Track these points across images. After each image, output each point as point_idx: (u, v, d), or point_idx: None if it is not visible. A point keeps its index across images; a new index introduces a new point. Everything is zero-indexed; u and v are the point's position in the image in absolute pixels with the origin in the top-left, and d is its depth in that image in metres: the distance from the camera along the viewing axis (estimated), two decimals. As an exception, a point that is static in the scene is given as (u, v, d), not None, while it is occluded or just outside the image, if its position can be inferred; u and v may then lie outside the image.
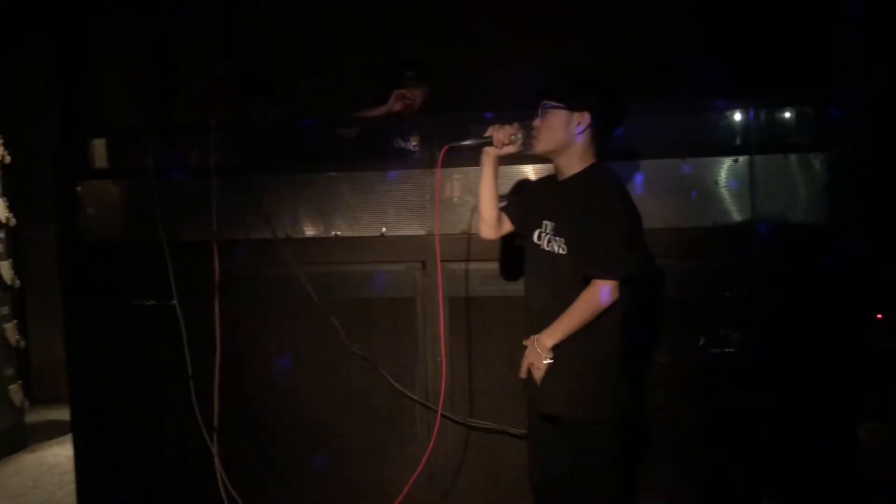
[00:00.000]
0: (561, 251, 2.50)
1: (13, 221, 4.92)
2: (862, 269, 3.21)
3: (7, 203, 4.89)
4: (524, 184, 3.07)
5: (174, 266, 3.33)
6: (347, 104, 4.11)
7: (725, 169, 3.12)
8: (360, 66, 4.60)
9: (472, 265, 3.23)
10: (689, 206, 3.13)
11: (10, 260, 4.91)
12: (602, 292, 2.40)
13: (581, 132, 2.49)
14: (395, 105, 3.83)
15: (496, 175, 2.72)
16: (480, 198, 2.75)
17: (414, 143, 3.78)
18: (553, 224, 2.55)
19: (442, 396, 3.04)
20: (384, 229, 3.30)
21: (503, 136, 2.58)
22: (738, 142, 3.17)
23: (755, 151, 3.10)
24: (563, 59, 4.41)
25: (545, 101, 2.52)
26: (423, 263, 3.26)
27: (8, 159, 4.87)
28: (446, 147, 2.65)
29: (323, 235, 3.35)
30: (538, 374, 2.51)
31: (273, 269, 3.34)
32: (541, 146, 2.54)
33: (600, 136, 2.54)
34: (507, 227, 2.79)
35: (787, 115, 3.21)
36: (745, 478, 3.09)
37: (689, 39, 4.35)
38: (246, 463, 3.38)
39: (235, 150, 3.56)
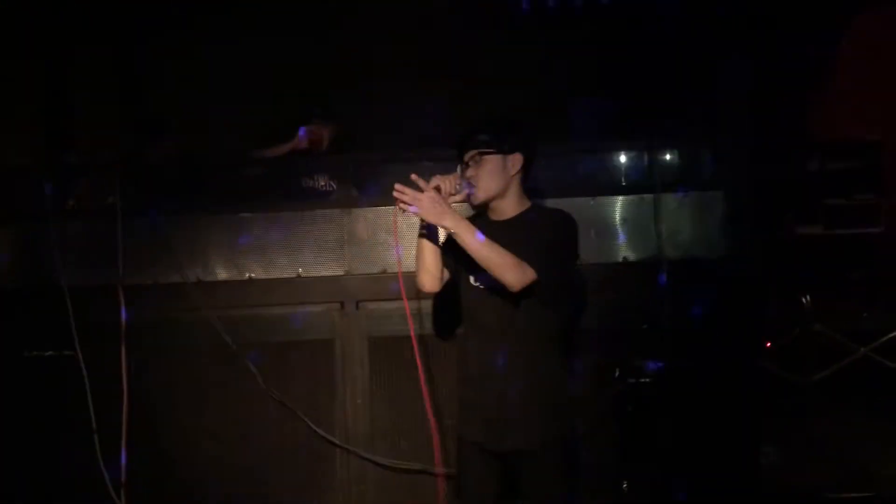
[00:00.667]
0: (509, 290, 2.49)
1: None
2: (757, 301, 3.44)
3: None
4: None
5: (76, 313, 3.16)
6: (253, 142, 4.07)
7: (632, 207, 3.27)
8: (266, 103, 4.55)
9: (392, 304, 3.22)
10: (600, 243, 3.25)
11: None
12: (525, 274, 2.39)
13: (516, 173, 2.55)
14: (301, 143, 3.81)
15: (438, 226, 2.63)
16: (422, 251, 2.63)
17: (323, 183, 3.76)
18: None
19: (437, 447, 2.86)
20: (300, 270, 3.26)
21: (449, 187, 2.50)
22: (643, 181, 3.34)
23: (659, 190, 3.26)
24: (465, 99, 4.56)
25: (477, 151, 2.53)
26: (342, 304, 3.23)
27: None
28: (397, 209, 2.47)
29: (236, 278, 3.26)
30: (413, 197, 2.41)
31: (184, 314, 3.23)
32: (482, 194, 2.53)
33: (526, 176, 2.61)
34: (446, 274, 2.72)
35: (685, 155, 3.41)
36: (659, 499, 3.20)
37: (583, 82, 4.54)
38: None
39: (140, 189, 3.43)
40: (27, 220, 3.30)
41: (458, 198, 2.54)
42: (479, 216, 2.62)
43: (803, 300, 4.03)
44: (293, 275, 3.25)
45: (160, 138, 4.03)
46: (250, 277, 3.26)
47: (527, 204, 2.61)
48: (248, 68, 4.51)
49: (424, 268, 2.66)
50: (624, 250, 3.27)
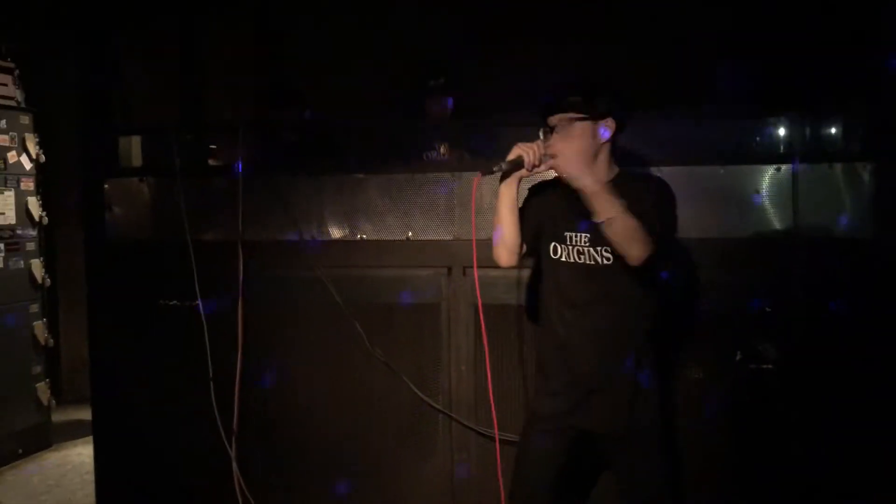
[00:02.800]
0: (606, 261, 2.39)
1: (46, 220, 4.95)
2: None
3: (41, 201, 4.93)
4: (527, 198, 2.75)
5: (199, 267, 3.29)
6: (373, 107, 4.08)
7: (767, 178, 2.99)
8: (385, 69, 4.55)
9: (498, 272, 3.13)
10: (728, 215, 3.01)
11: (42, 258, 4.93)
12: (648, 247, 2.23)
13: (608, 139, 2.39)
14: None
15: (517, 198, 2.53)
16: (501, 222, 2.52)
17: (443, 152, 3.72)
18: (586, 236, 2.41)
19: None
20: (410, 233, 3.23)
21: (534, 158, 2.36)
22: (780, 150, 3.05)
23: (799, 160, 2.96)
24: (574, 64, 4.36)
25: (565, 115, 2.37)
26: (449, 269, 3.18)
27: (43, 158, 4.91)
28: (478, 178, 2.47)
29: (348, 238, 3.28)
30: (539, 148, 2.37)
31: (298, 272, 3.29)
32: (570, 165, 2.34)
33: (615, 141, 2.44)
34: (524, 249, 2.61)
35: (833, 123, 3.08)
36: (784, 496, 2.95)
37: (727, 42, 4.21)
38: (264, 467, 3.32)
39: (263, 150, 3.53)
40: (161, 176, 3.46)
41: (541, 168, 2.40)
42: (563, 187, 2.42)
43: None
44: (403, 237, 3.23)
45: (290, 104, 4.11)
46: (362, 238, 3.27)
47: (615, 171, 2.44)
48: (376, 38, 4.51)
49: (503, 241, 2.54)
50: (757, 225, 3.00)
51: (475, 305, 3.14)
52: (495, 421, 2.64)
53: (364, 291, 3.23)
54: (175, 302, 3.37)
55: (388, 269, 3.23)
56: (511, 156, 2.38)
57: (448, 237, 3.21)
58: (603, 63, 4.11)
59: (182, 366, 3.35)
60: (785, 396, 2.87)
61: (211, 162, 3.91)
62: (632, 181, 2.42)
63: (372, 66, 4.59)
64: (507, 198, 2.50)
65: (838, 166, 2.96)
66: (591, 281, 2.41)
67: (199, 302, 3.29)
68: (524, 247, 2.58)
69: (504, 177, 2.48)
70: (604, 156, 2.42)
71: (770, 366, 2.84)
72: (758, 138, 3.15)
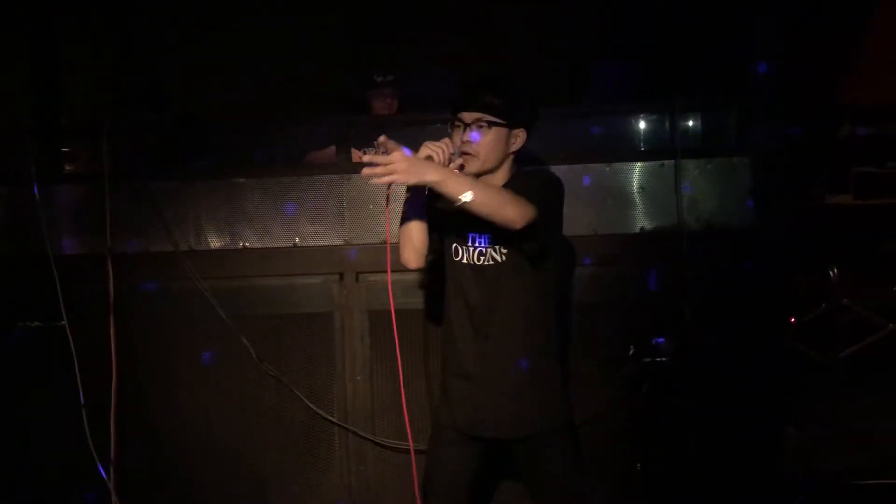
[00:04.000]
0: (501, 258, 2.35)
1: None
2: (782, 274, 3.24)
3: None
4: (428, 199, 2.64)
5: (63, 283, 3.01)
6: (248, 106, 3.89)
7: (651, 174, 3.06)
8: (261, 65, 4.34)
9: (394, 276, 3.04)
10: (616, 212, 3.06)
11: None
12: (526, 208, 2.13)
13: (517, 150, 2.35)
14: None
15: (426, 196, 2.43)
16: (410, 224, 2.43)
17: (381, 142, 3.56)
18: (487, 236, 2.36)
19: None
20: (297, 239, 3.08)
21: (444, 156, 2.24)
22: (663, 145, 3.13)
23: (680, 155, 3.05)
24: (470, 61, 4.33)
25: (485, 116, 2.30)
26: (341, 275, 3.06)
27: None
28: (389, 189, 2.28)
29: (230, 247, 3.09)
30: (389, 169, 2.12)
31: (175, 284, 3.07)
32: (477, 166, 2.31)
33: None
34: (426, 250, 2.52)
35: (711, 118, 3.19)
36: (675, 485, 3.03)
37: (605, 42, 4.30)
38: (149, 497, 3.09)
39: (131, 154, 3.27)
40: (15, 186, 3.13)
41: (451, 167, 2.27)
42: None
43: (831, 273, 3.81)
44: (290, 244, 3.08)
45: (157, 104, 3.85)
46: (244, 246, 3.09)
47: (511, 173, 2.40)
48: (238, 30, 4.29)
49: (409, 243, 2.46)
50: (641, 220, 3.06)
51: (369, 312, 3.06)
52: (409, 432, 2.52)
53: (250, 303, 3.07)
54: (37, 323, 3.07)
55: (275, 279, 3.07)
56: (420, 154, 2.26)
57: (339, 241, 3.09)
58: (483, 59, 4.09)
59: (49, 391, 3.05)
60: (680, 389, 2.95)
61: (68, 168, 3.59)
62: (523, 176, 2.38)
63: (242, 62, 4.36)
64: (415, 198, 2.41)
65: (717, 160, 3.07)
66: (488, 281, 2.36)
67: (65, 322, 3.01)
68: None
69: None
70: (508, 162, 2.38)
71: (663, 358, 2.90)
72: (641, 134, 3.22)
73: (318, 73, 4.44)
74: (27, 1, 3.66)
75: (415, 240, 2.45)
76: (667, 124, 3.21)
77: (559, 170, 2.90)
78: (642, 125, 3.25)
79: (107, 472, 3.00)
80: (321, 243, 3.08)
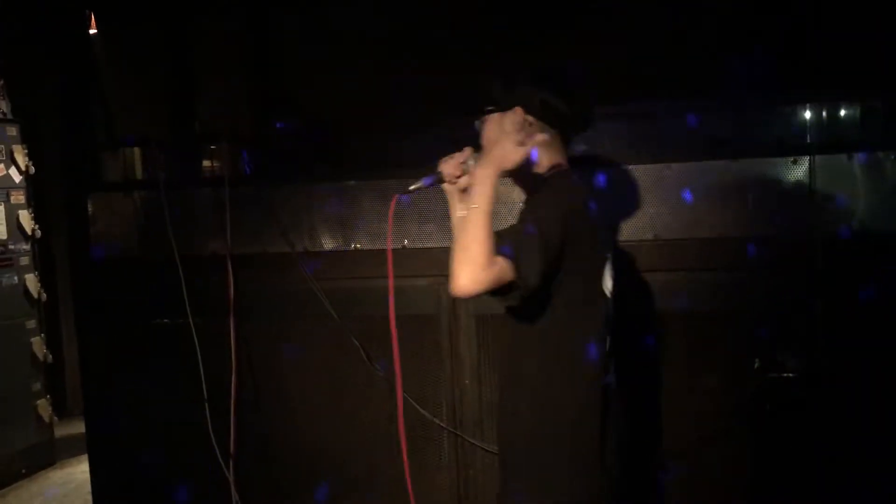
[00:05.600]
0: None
1: (39, 233, 4.84)
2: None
3: (33, 214, 4.81)
4: None
5: (188, 282, 3.16)
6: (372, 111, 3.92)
7: (784, 171, 2.81)
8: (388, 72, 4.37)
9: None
10: (740, 212, 2.83)
11: (37, 272, 4.82)
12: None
13: (515, 128, 2.08)
14: None
15: None
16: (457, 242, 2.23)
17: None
18: None
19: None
20: (406, 241, 3.08)
21: (452, 169, 2.12)
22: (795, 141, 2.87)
23: (815, 151, 2.78)
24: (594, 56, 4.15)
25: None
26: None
27: (32, 170, 4.79)
28: (395, 197, 2.25)
29: (342, 248, 3.13)
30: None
31: (291, 285, 3.14)
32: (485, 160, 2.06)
33: (562, 134, 2.14)
34: None
35: (852, 110, 2.90)
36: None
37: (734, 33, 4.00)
38: (264, 489, 3.19)
39: (251, 159, 3.39)
40: (149, 190, 3.32)
41: (466, 180, 2.13)
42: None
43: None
44: (399, 246, 3.07)
45: (286, 112, 3.97)
46: (356, 248, 3.12)
47: (553, 169, 2.12)
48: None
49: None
50: (767, 222, 2.82)
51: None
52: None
53: (360, 303, 3.08)
54: (166, 320, 3.24)
55: (384, 280, 3.07)
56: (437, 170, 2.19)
57: (447, 244, 3.04)
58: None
59: (175, 385, 3.22)
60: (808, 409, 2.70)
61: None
62: (540, 192, 2.09)
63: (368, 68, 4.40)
64: (455, 212, 2.25)
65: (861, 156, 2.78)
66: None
67: (191, 319, 3.16)
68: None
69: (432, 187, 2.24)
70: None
71: (791, 374, 2.67)
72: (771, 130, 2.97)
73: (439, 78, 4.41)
74: (161, 11, 3.85)
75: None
76: (802, 117, 2.96)
77: (670, 168, 2.77)
78: (772, 116, 2.98)
79: (227, 469, 3.13)
80: (429, 245, 3.05)
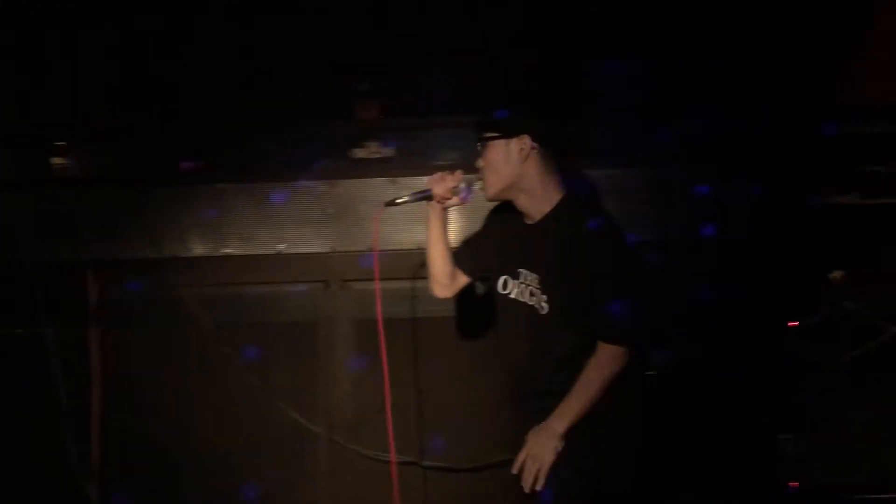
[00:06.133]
0: (542, 309, 2.17)
1: None
2: (781, 277, 3.17)
3: None
4: (484, 224, 2.48)
5: (43, 289, 2.96)
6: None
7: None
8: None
9: (381, 284, 2.97)
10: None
11: None
12: (615, 358, 2.06)
13: (527, 160, 2.15)
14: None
15: (445, 229, 2.32)
16: (429, 254, 2.35)
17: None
18: (536, 276, 2.19)
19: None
20: (282, 246, 3.01)
21: (443, 190, 2.18)
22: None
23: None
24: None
25: (481, 136, 2.18)
26: (326, 283, 2.99)
27: None
28: (380, 210, 2.31)
29: (213, 254, 3.02)
30: (542, 470, 2.07)
31: (158, 292, 3.00)
32: (490, 190, 2.17)
33: (547, 161, 2.20)
34: (462, 280, 2.41)
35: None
36: (668, 498, 2.96)
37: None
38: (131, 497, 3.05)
39: (114, 160, 3.19)
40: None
41: (455, 201, 2.22)
42: (516, 216, 2.24)
43: (834, 276, 3.69)
44: (274, 251, 3.00)
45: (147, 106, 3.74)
46: (228, 254, 3.02)
47: (553, 199, 2.19)
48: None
49: (431, 274, 2.39)
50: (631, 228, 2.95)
51: (355, 321, 2.99)
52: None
53: (234, 311, 3.01)
54: (18, 330, 3.02)
55: (258, 286, 3.01)
56: (425, 186, 2.23)
57: (324, 249, 3.01)
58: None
59: (29, 400, 3.01)
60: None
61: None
62: (565, 228, 2.15)
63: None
64: (430, 230, 2.32)
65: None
66: (535, 326, 2.19)
67: (47, 329, 2.96)
68: (457, 277, 2.40)
69: (415, 203, 2.29)
70: (532, 180, 2.17)
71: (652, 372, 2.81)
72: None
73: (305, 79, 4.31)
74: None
75: (433, 271, 2.37)
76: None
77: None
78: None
79: (88, 482, 2.96)
80: (306, 250, 3.00)
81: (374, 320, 2.88)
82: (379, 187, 2.96)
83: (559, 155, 2.23)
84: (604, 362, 2.06)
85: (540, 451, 2.07)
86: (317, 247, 3.00)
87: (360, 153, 3.17)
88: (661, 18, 3.93)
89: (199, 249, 3.02)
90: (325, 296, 2.99)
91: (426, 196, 2.24)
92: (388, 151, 3.22)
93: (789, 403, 3.26)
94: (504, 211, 2.29)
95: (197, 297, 2.97)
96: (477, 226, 2.44)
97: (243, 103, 3.42)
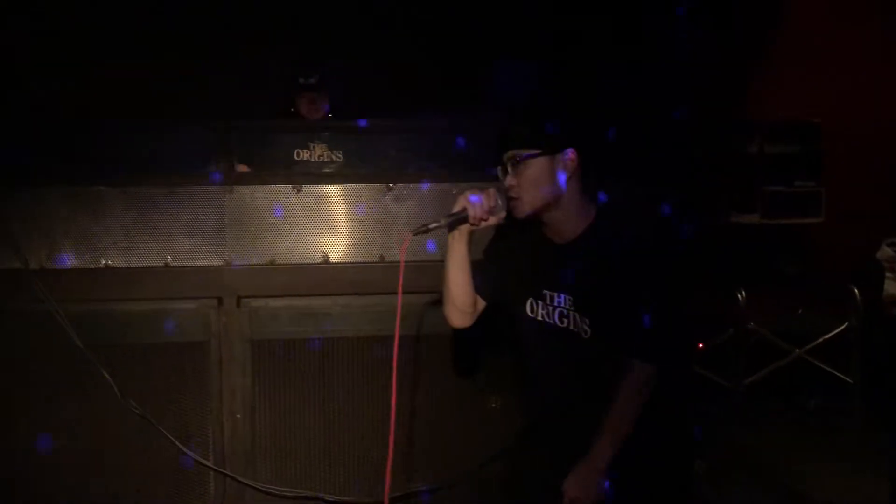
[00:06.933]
0: (584, 333, 2.04)
1: None
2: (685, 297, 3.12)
3: None
4: (493, 245, 2.34)
5: None
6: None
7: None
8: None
9: (281, 302, 2.73)
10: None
11: None
12: (651, 378, 1.98)
13: (569, 178, 2.02)
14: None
15: (469, 253, 2.13)
16: (450, 281, 2.16)
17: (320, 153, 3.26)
18: (569, 298, 2.06)
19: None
20: (169, 258, 2.70)
21: (481, 212, 2.00)
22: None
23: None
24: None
25: (517, 152, 2.01)
26: (220, 300, 2.70)
27: None
28: (408, 239, 2.04)
29: (89, 266, 2.68)
30: None
31: (24, 307, 2.63)
32: (524, 210, 2.03)
33: (586, 177, 2.08)
34: (481, 306, 2.25)
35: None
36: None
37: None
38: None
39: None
40: None
41: (493, 221, 2.04)
42: (536, 234, 2.11)
43: (739, 296, 3.71)
44: (160, 264, 2.70)
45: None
46: (107, 266, 2.69)
47: (591, 215, 2.08)
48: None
49: (451, 301, 2.19)
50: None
51: (252, 342, 2.72)
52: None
53: (111, 330, 2.67)
54: None
55: (142, 303, 2.68)
56: (455, 208, 2.02)
57: (218, 262, 2.72)
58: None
59: None
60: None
61: None
62: (608, 236, 2.04)
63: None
64: (452, 255, 2.13)
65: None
66: (576, 353, 2.08)
67: None
68: (479, 303, 2.23)
69: (450, 229, 2.10)
70: (571, 196, 2.04)
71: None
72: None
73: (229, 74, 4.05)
74: None
75: (457, 300, 2.18)
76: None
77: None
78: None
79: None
80: (197, 263, 2.71)
81: (272, 341, 2.72)
82: (282, 194, 2.73)
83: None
84: (641, 383, 1.96)
85: (582, 494, 1.94)
86: (209, 259, 2.71)
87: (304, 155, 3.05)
88: (563, 24, 3.91)
89: (72, 260, 2.67)
90: (217, 314, 2.70)
91: (460, 219, 2.05)
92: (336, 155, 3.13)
93: (697, 427, 3.23)
94: (517, 228, 2.13)
95: (69, 315, 2.60)
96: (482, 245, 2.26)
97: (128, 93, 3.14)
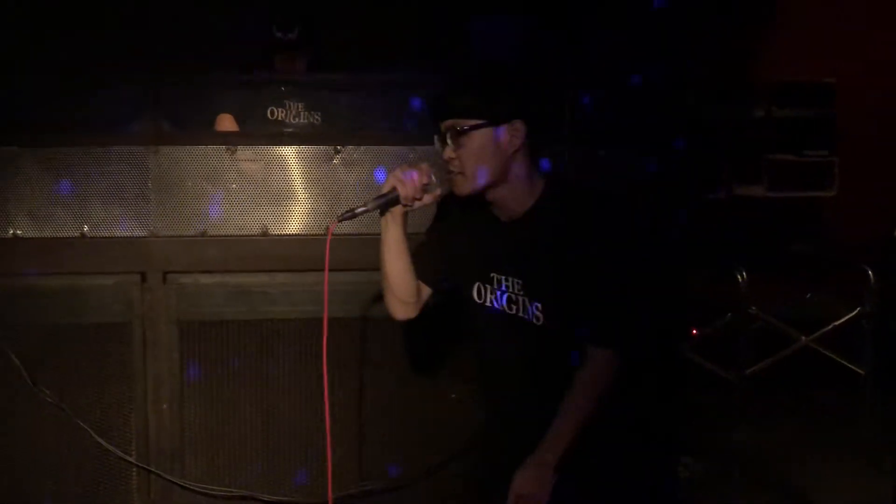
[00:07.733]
0: (536, 320, 1.84)
1: None
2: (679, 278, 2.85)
3: None
4: (434, 226, 2.14)
5: None
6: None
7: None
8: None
9: (213, 278, 2.45)
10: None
11: None
12: (610, 366, 1.81)
13: (518, 149, 1.82)
14: None
15: (405, 236, 1.92)
16: (388, 270, 1.95)
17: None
18: (518, 282, 1.87)
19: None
20: (86, 228, 2.43)
21: (413, 190, 1.80)
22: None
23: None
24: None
25: (457, 122, 1.79)
26: (143, 275, 2.43)
27: None
28: (332, 226, 1.80)
29: (-5, 236, 2.42)
30: None
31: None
32: (467, 185, 1.83)
33: (534, 149, 1.87)
34: (425, 294, 2.04)
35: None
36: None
37: None
38: None
39: None
40: None
41: (428, 199, 1.83)
42: (481, 212, 1.91)
43: (739, 277, 3.39)
44: (76, 234, 2.43)
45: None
46: (15, 235, 2.41)
47: (538, 189, 1.89)
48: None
49: (391, 291, 1.97)
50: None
51: (179, 322, 2.44)
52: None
53: (20, 309, 2.40)
54: None
55: (56, 278, 2.40)
56: (385, 188, 1.80)
57: (142, 232, 2.44)
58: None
59: None
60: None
61: None
62: (559, 212, 1.85)
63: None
64: (390, 240, 1.91)
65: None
66: (529, 341, 1.89)
67: None
68: (421, 292, 2.01)
69: (382, 213, 1.86)
70: (519, 170, 1.84)
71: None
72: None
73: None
74: None
75: (398, 290, 1.97)
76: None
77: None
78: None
79: None
80: (117, 234, 2.45)
81: (202, 322, 2.45)
82: (213, 156, 2.45)
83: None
84: (598, 372, 1.82)
85: (531, 489, 1.79)
86: (131, 230, 2.45)
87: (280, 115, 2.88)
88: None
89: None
90: (140, 291, 2.42)
91: (391, 201, 1.81)
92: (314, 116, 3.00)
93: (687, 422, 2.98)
94: (460, 206, 1.94)
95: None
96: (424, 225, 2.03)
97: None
